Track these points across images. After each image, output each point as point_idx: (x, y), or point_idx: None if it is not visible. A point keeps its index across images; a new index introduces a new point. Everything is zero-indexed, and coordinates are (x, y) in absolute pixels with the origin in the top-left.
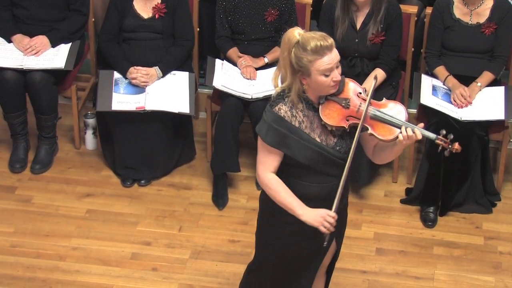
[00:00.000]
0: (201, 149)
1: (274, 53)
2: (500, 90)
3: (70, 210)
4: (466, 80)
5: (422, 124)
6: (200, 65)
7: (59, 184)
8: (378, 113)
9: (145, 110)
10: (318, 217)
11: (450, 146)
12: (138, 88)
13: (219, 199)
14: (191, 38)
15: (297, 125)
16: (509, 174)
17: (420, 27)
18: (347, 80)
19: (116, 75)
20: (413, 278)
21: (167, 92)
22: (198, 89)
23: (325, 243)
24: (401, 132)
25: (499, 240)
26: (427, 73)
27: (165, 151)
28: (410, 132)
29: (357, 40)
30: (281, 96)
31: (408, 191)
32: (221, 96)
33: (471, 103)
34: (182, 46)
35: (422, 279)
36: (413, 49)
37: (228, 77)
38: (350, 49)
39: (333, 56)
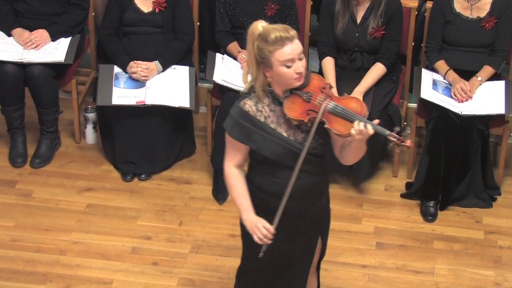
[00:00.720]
0: (201, 143)
1: None
2: (500, 85)
3: (70, 205)
4: (467, 74)
5: (377, 121)
6: (201, 59)
7: (59, 179)
8: (335, 108)
9: (145, 104)
10: (254, 226)
11: (402, 144)
12: (138, 83)
13: (219, 193)
14: (192, 32)
15: (262, 119)
16: (509, 168)
17: (421, 21)
18: (313, 75)
19: (116, 69)
20: (413, 273)
21: (167, 86)
22: (198, 84)
23: (261, 253)
24: (353, 127)
25: (499, 234)
26: (427, 68)
27: (165, 145)
28: (361, 127)
29: (357, 34)
30: (249, 91)
31: (408, 185)
32: (221, 91)
33: (471, 97)
34: (182, 40)
35: (422, 273)
36: (413, 43)
37: (229, 71)
38: (351, 43)
39: (294, 47)
